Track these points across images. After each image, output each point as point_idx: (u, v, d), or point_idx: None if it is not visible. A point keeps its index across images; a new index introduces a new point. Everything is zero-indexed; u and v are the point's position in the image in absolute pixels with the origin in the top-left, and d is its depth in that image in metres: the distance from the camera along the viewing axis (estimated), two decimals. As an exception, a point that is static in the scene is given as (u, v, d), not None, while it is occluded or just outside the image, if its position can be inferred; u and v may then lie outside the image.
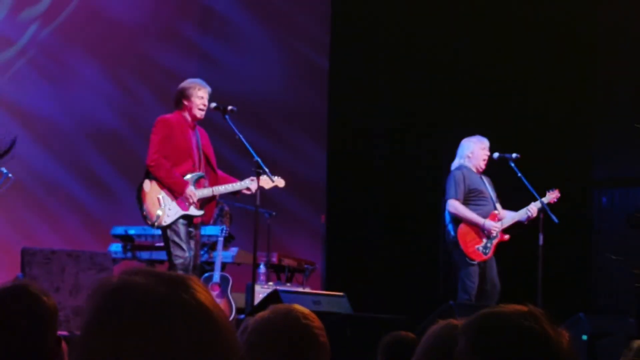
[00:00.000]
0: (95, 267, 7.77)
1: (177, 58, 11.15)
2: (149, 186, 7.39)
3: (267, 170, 7.46)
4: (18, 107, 10.41)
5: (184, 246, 7.33)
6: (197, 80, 7.59)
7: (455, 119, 11.42)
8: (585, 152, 11.64)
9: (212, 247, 9.17)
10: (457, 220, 8.54)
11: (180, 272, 1.74)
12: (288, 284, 9.76)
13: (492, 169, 8.81)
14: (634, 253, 11.09)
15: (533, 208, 8.57)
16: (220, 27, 11.64)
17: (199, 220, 7.53)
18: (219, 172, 7.66)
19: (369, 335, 4.57)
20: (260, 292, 8.61)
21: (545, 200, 8.58)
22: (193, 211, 7.42)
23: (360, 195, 11.73)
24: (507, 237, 8.59)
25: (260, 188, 7.52)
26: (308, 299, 7.44)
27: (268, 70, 11.67)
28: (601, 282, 11.41)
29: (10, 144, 9.14)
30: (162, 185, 7.38)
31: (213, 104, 7.55)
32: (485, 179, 8.71)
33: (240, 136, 7.50)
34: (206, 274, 8.89)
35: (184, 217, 7.39)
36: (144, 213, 7.36)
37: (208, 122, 7.77)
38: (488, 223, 8.46)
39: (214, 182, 7.57)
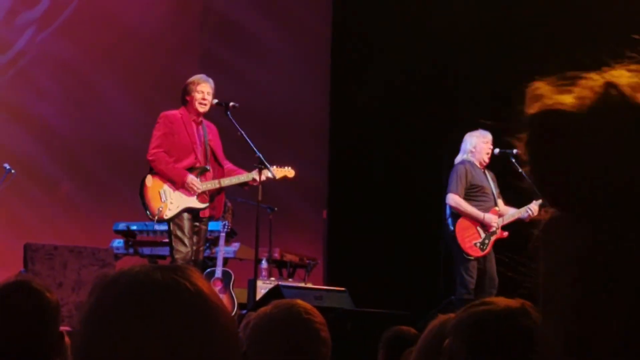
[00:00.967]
0: (97, 263, 7.79)
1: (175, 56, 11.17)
2: (150, 181, 7.46)
3: (269, 165, 7.51)
4: (19, 108, 10.41)
5: (186, 241, 7.36)
6: (198, 76, 7.65)
7: (457, 114, 11.42)
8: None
9: (214, 242, 9.18)
10: (456, 214, 8.55)
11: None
12: (290, 280, 9.77)
13: (494, 165, 8.81)
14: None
15: (534, 207, 8.56)
16: (219, 26, 11.64)
17: (206, 214, 7.56)
18: (228, 164, 7.71)
19: (371, 330, 4.59)
20: (262, 287, 8.62)
21: (546, 197, 8.58)
22: (196, 204, 7.45)
23: (362, 191, 11.74)
24: (505, 234, 8.59)
25: (270, 178, 7.57)
26: (310, 294, 7.45)
27: (270, 68, 11.67)
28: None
29: None
30: (164, 179, 7.44)
31: (215, 100, 7.59)
32: (488, 174, 8.71)
33: (242, 132, 7.54)
34: (208, 270, 8.90)
35: (188, 210, 7.43)
36: (146, 207, 7.42)
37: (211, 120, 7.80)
38: (488, 216, 8.46)
39: (220, 176, 7.63)
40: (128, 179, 10.13)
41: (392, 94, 11.70)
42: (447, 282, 10.96)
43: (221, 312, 1.37)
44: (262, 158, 7.48)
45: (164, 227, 8.17)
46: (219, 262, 8.93)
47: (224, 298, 8.75)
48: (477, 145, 8.63)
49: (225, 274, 8.96)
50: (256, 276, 8.02)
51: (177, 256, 7.30)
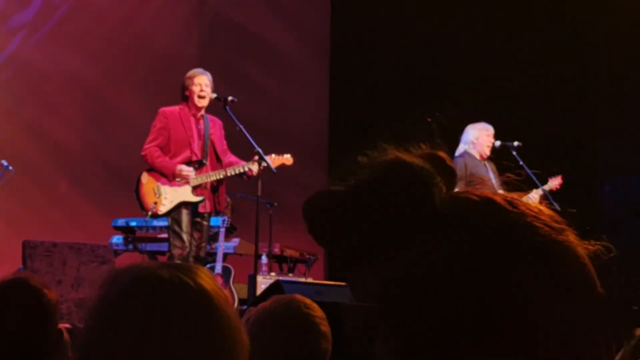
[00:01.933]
0: (96, 260, 7.77)
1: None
2: (145, 178, 7.51)
3: (267, 160, 7.49)
4: (16, 108, 10.40)
5: (184, 236, 7.35)
6: (194, 70, 7.66)
7: (458, 107, 11.40)
8: (589, 140, 11.62)
9: (214, 238, 9.16)
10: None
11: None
12: (290, 275, 9.76)
13: (495, 157, 8.80)
14: (636, 241, 11.09)
15: (535, 197, 8.56)
16: (220, 26, 11.63)
17: (207, 209, 7.56)
18: (231, 157, 7.70)
19: (372, 325, 4.57)
20: (263, 282, 8.61)
21: (547, 187, 8.57)
22: (191, 197, 7.45)
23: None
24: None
25: (267, 167, 7.55)
26: (310, 289, 7.43)
27: (270, 67, 11.67)
28: (605, 270, 11.39)
29: None
30: (159, 175, 7.47)
31: (214, 95, 7.58)
32: (488, 165, 8.70)
33: (241, 126, 7.53)
34: (208, 265, 8.89)
35: (185, 205, 7.42)
36: (140, 203, 7.47)
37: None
38: None
39: (217, 170, 7.63)
40: (127, 176, 10.13)
41: (392, 92, 11.69)
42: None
43: (226, 311, 1.36)
44: (261, 153, 7.47)
45: (162, 223, 8.17)
46: (219, 257, 8.92)
47: (224, 294, 8.75)
48: (480, 138, 8.62)
49: (225, 270, 8.95)
50: (256, 271, 8.01)
51: (173, 251, 7.29)
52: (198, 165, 7.53)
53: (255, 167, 7.52)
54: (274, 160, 7.58)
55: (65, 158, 10.56)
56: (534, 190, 8.61)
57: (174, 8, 11.26)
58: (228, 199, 9.63)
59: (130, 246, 9.40)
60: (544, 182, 8.64)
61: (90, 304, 1.37)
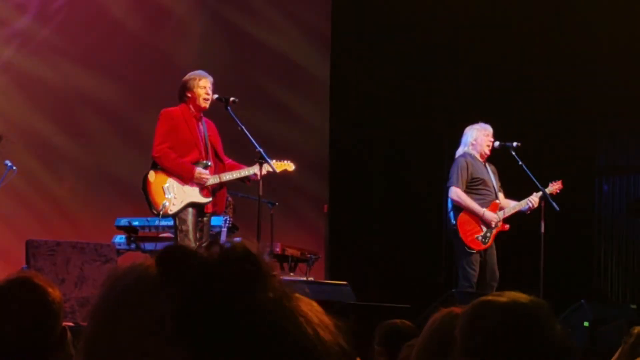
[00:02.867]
0: (100, 259, 7.79)
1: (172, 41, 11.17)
2: (153, 176, 7.48)
3: (269, 160, 7.52)
4: (15, 109, 10.42)
5: (191, 236, 7.39)
6: (197, 72, 7.68)
7: (459, 107, 11.43)
8: (587, 140, 11.64)
9: (216, 237, 9.18)
10: (458, 208, 8.56)
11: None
12: (292, 274, 9.78)
13: (495, 157, 8.82)
14: (633, 240, 11.11)
15: (534, 199, 8.59)
16: (220, 25, 11.63)
17: (210, 209, 7.59)
18: (228, 160, 7.73)
19: (373, 323, 4.60)
20: (264, 282, 8.62)
21: (547, 190, 8.59)
22: (200, 198, 7.48)
23: (363, 184, 11.75)
24: (507, 226, 8.61)
25: (270, 172, 7.58)
26: (312, 288, 7.46)
27: (270, 64, 11.68)
28: (603, 269, 11.43)
29: None
30: (169, 174, 7.46)
31: (215, 95, 7.61)
32: (489, 168, 8.72)
33: (243, 127, 7.56)
34: (210, 265, 8.90)
35: (192, 205, 7.45)
36: (150, 203, 7.45)
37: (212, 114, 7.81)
38: (487, 214, 8.47)
39: (222, 171, 7.65)
40: (129, 174, 10.14)
41: (392, 91, 11.70)
42: (448, 275, 10.99)
43: None
44: (263, 153, 7.49)
45: (165, 223, 8.19)
46: (221, 257, 8.93)
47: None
48: (478, 138, 8.64)
49: (227, 269, 8.95)
50: (258, 271, 8.00)
51: (180, 251, 7.30)
52: (204, 167, 7.55)
53: (259, 171, 7.54)
54: (275, 165, 7.60)
55: (65, 158, 10.57)
56: (534, 194, 8.63)
57: (171, 8, 11.27)
58: (230, 199, 9.66)
59: (133, 245, 9.42)
60: (545, 182, 8.67)
61: (93, 302, 1.38)
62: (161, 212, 7.39)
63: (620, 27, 11.32)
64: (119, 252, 8.82)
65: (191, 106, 7.54)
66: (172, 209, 7.40)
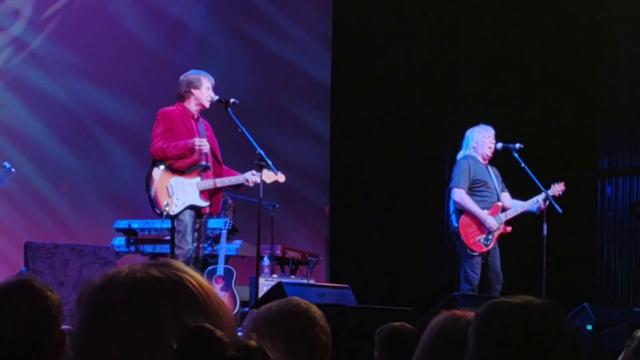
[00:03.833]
0: (99, 261, 7.77)
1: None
2: (158, 174, 7.41)
3: (270, 162, 7.48)
4: (14, 112, 10.41)
5: (189, 238, 7.36)
6: (199, 72, 7.65)
7: (460, 108, 11.42)
8: (590, 141, 11.62)
9: (216, 240, 9.17)
10: (460, 210, 8.54)
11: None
12: (292, 277, 9.76)
13: (497, 159, 8.81)
14: (637, 242, 11.09)
15: (542, 199, 8.57)
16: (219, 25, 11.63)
17: (207, 211, 7.56)
18: (224, 166, 7.70)
19: (374, 327, 4.57)
20: (265, 284, 8.62)
21: (550, 192, 8.57)
22: (200, 202, 7.45)
23: (364, 187, 11.74)
24: (509, 229, 8.59)
25: (265, 183, 7.54)
26: (313, 291, 7.44)
27: (271, 65, 11.68)
28: (606, 271, 11.41)
29: None
30: (171, 171, 7.41)
31: (216, 97, 7.57)
32: (491, 169, 8.71)
33: (243, 129, 7.52)
34: (210, 267, 8.90)
35: (191, 207, 7.42)
36: (153, 201, 7.39)
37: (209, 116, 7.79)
38: (489, 221, 8.44)
39: (219, 174, 7.61)
40: (127, 177, 10.13)
41: (392, 91, 11.70)
42: (450, 278, 10.97)
43: (218, 310, 1.36)
44: (263, 155, 7.45)
45: (163, 225, 8.17)
46: (221, 259, 8.93)
47: (225, 296, 8.75)
48: (479, 140, 8.62)
49: (228, 272, 8.95)
50: (258, 273, 8.00)
51: (177, 252, 7.29)
52: (203, 170, 7.51)
53: (253, 178, 7.50)
54: (266, 176, 7.51)
55: (62, 162, 10.57)
56: (540, 195, 8.60)
57: (168, 8, 11.25)
58: (230, 201, 9.64)
59: (132, 248, 9.40)
60: (548, 183, 8.64)
61: (82, 307, 1.36)
62: (164, 212, 7.35)
63: (623, 28, 11.31)
64: (118, 255, 8.81)
65: (192, 104, 7.50)
66: (174, 209, 7.37)
